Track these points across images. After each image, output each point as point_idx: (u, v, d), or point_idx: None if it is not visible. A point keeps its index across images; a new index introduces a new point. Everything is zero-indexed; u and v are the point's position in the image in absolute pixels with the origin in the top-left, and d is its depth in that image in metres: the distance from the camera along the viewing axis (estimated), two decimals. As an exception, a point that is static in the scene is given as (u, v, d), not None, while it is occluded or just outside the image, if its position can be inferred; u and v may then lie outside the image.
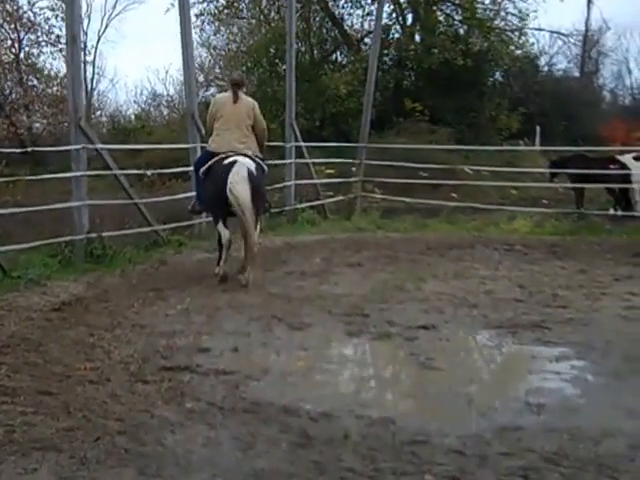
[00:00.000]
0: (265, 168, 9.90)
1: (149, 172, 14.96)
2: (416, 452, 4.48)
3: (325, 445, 4.58)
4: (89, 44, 36.29)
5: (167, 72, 45.69)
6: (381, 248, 12.32)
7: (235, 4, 30.94)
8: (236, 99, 9.72)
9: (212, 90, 34.12)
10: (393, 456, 4.44)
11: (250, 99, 10.02)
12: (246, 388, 5.59)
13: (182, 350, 6.56)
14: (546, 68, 41.85)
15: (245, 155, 9.44)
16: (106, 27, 40.18)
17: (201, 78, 33.97)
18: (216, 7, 30.49)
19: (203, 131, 12.70)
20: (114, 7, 41.20)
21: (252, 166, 9.29)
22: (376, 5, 23.97)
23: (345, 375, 6.19)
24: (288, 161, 15.91)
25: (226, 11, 31.05)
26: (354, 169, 17.76)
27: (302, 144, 16.45)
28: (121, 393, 5.43)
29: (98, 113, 36.66)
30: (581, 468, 4.25)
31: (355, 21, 31.79)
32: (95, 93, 38.05)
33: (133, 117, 34.95)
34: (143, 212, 12.17)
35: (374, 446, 4.57)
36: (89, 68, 36.76)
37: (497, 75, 33.46)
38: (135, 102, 37.70)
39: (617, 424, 4.86)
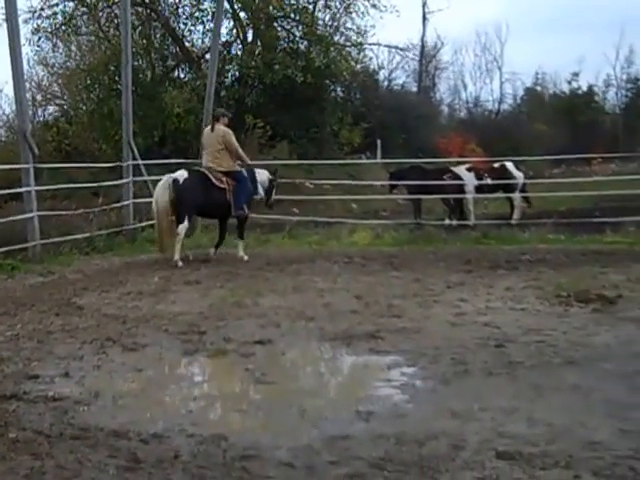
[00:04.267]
0: (239, 177, 12.76)
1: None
2: (246, 467, 4.47)
3: (154, 467, 4.51)
4: None
5: (1, 90, 44.11)
6: (221, 265, 12.30)
7: (73, 21, 30.24)
8: (212, 129, 12.76)
9: (51, 109, 33.27)
10: (223, 473, 4.42)
11: (222, 129, 12.65)
12: (75, 414, 5.44)
13: (9, 378, 6.32)
14: (386, 83, 43.02)
15: (209, 168, 12.57)
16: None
17: (39, 97, 33.06)
18: (53, 23, 29.73)
19: (36, 150, 12.43)
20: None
21: (182, 177, 12.29)
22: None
23: (178, 394, 6.12)
24: (125, 180, 15.69)
25: (63, 28, 30.33)
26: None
27: (140, 162, 16.23)
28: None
29: None
30: (405, 471, 4.35)
31: (196, 38, 31.70)
32: None
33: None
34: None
35: (204, 464, 4.53)
36: None
37: (338, 90, 34.09)
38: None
39: (441, 426, 5.01)
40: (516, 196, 18.20)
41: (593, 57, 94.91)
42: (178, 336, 7.67)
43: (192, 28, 31.14)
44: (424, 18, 48.33)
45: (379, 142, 28.97)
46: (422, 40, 48.84)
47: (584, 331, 7.57)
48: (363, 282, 10.62)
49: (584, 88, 55.31)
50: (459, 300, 9.15)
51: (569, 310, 8.55)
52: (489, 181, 17.93)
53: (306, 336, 7.65)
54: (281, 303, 9.21)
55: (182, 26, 31.32)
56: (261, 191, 13.72)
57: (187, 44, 31.65)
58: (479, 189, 18.08)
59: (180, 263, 12.28)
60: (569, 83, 56.21)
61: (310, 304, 9.10)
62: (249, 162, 13.30)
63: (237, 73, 30.68)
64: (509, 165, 18.56)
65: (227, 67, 30.56)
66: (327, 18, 31.96)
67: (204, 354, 7.10)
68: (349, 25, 31.92)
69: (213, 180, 12.46)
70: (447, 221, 17.75)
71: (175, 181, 12.32)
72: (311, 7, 31.10)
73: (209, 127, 13.05)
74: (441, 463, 4.45)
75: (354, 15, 31.68)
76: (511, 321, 8.02)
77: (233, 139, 12.73)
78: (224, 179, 12.53)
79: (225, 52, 30.21)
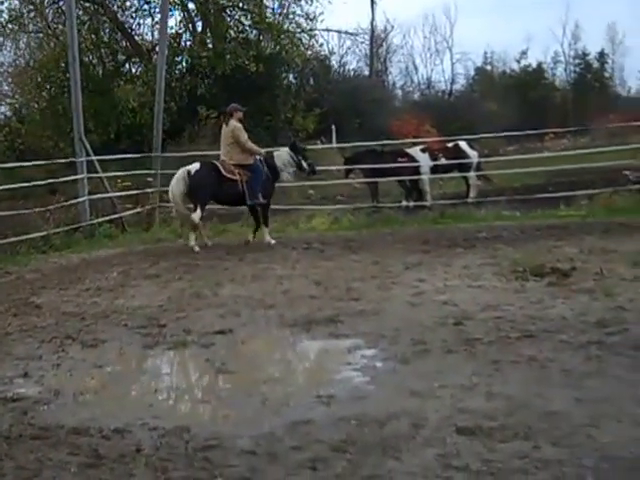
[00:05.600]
0: (253, 167, 13.31)
1: None
2: (209, 457, 4.49)
3: (116, 462, 4.50)
4: None
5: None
6: (180, 257, 12.26)
7: (19, 18, 29.85)
8: (226, 125, 13.47)
9: (2, 109, 32.86)
10: (185, 464, 4.43)
11: (233, 123, 13.29)
12: (35, 413, 5.40)
13: (-34, 381, 6.26)
14: (338, 68, 43.02)
15: (222, 162, 13.29)
16: None
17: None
18: (-1, 21, 29.35)
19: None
20: None
21: (194, 170, 13.07)
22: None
23: (139, 388, 6.12)
24: (80, 176, 15.55)
25: (10, 25, 29.93)
26: (151, 180, 17.56)
27: (94, 158, 16.10)
28: None
29: None
30: (366, 452, 4.40)
31: (146, 31, 31.48)
32: None
33: None
34: None
35: (167, 457, 4.54)
36: None
37: (290, 77, 34.04)
38: None
39: (401, 405, 5.06)
40: (471, 175, 18.31)
41: (541, 34, 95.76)
42: (138, 330, 7.63)
43: (141, 21, 30.95)
44: (372, 2, 48.34)
45: (334, 127, 28.93)
46: (371, 24, 48.90)
47: (540, 304, 7.68)
48: (322, 267, 10.64)
49: (534, 65, 55.83)
50: (417, 280, 9.20)
51: (525, 285, 8.65)
52: (444, 161, 18.00)
53: (266, 324, 7.67)
54: (240, 292, 9.20)
55: (131, 20, 31.12)
56: (288, 172, 14.18)
57: (137, 38, 31.43)
58: (434, 169, 18.15)
59: (197, 248, 12.92)
60: (518, 61, 56.74)
61: (269, 292, 9.11)
62: (261, 152, 13.73)
63: (188, 64, 30.49)
64: (463, 144, 18.66)
65: (178, 59, 30.41)
66: (276, 6, 31.91)
67: (164, 347, 7.07)
68: (298, 12, 31.91)
69: (223, 172, 13.13)
70: (404, 203, 17.82)
71: (188, 173, 13.12)
72: (260, -4, 31.00)
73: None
74: (402, 442, 4.50)
75: (302, 2, 31.68)
76: (469, 298, 8.09)
77: (242, 133, 13.27)
78: (236, 171, 13.19)
79: (175, 44, 30.03)
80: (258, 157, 13.53)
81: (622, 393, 5.05)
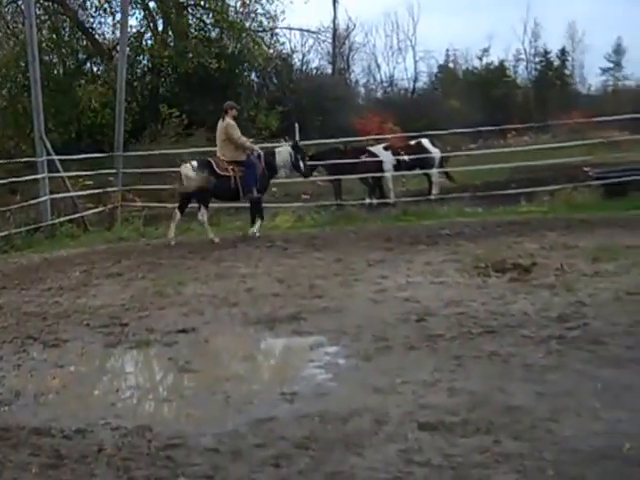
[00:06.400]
0: (247, 163, 13.55)
1: None
2: (171, 456, 4.48)
3: (78, 462, 4.48)
4: None
5: None
6: (143, 256, 12.19)
7: (-23, 17, 29.49)
8: (221, 121, 13.67)
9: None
10: (148, 463, 4.42)
11: (227, 120, 13.57)
12: (-4, 415, 5.36)
13: None
14: (300, 66, 43.01)
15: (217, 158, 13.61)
16: None
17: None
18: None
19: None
20: None
21: (195, 165, 13.41)
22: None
23: (101, 388, 6.10)
24: (40, 176, 15.41)
25: (-33, 24, 29.56)
26: (112, 179, 17.45)
27: (55, 157, 15.97)
28: None
29: None
30: (329, 449, 4.41)
31: (106, 30, 31.19)
32: None
33: None
34: None
35: (129, 456, 4.52)
36: None
37: (253, 76, 33.95)
38: None
39: (364, 402, 5.09)
40: (434, 172, 18.38)
41: (503, 32, 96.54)
42: (100, 329, 7.60)
43: (102, 20, 30.65)
44: (334, 0, 48.38)
45: (297, 125, 28.89)
46: (334, 22, 48.92)
47: (502, 300, 7.75)
48: (285, 265, 10.64)
49: (496, 63, 56.25)
50: (380, 277, 9.24)
51: (487, 281, 8.72)
52: (406, 158, 18.05)
53: (229, 322, 7.66)
54: (204, 290, 9.18)
55: (91, 19, 30.78)
56: (284, 170, 14.55)
57: (98, 37, 31.12)
58: (397, 167, 18.19)
59: (217, 239, 13.37)
60: (480, 59, 57.14)
61: (233, 290, 9.10)
62: (254, 148, 13.96)
63: (150, 63, 30.30)
64: (425, 142, 18.71)
65: (139, 58, 30.19)
66: (238, 4, 31.75)
67: (127, 346, 7.04)
68: (260, 10, 31.80)
69: (215, 168, 13.40)
70: (367, 200, 17.84)
71: (192, 168, 13.45)
72: (221, -7, 30.86)
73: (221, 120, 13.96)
74: (365, 438, 4.52)
75: (264, 1, 31.58)
76: (431, 295, 8.15)
77: (234, 131, 13.57)
78: (229, 167, 13.47)
79: (136, 43, 29.81)
80: (256, 153, 13.82)
81: (582, 387, 5.12)
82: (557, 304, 7.40)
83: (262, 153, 13.98)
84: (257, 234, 13.63)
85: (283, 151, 14.43)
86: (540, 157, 19.19)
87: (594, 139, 19.22)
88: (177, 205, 13.93)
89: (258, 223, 13.86)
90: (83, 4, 30.55)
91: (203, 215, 13.48)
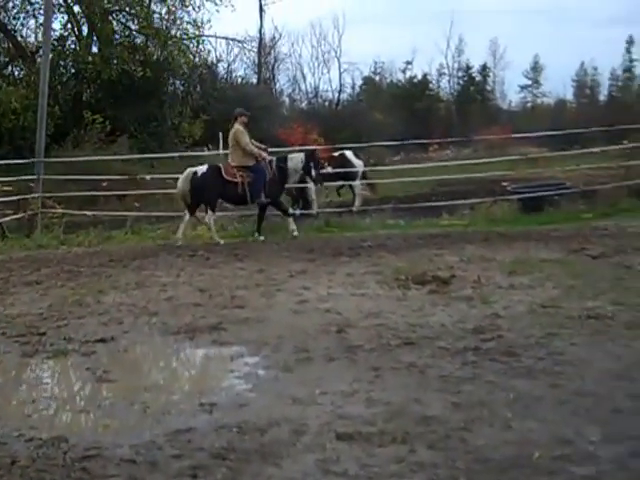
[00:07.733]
0: (255, 168, 14.05)
1: None
2: (87, 467, 4.42)
3: (-10, 474, 4.41)
4: None
5: None
6: (63, 264, 12.02)
7: None
8: (231, 128, 14.20)
9: None
10: (63, 475, 4.35)
11: (236, 127, 14.06)
12: None
13: None
14: (225, 75, 42.92)
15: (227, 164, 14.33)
16: None
17: None
18: None
19: None
20: None
21: (200, 171, 14.02)
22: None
23: (16, 398, 5.98)
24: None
25: None
26: (33, 185, 17.16)
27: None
28: None
29: None
30: (246, 459, 4.42)
31: (29, 33, 30.74)
32: None
33: None
34: None
35: (43, 467, 4.44)
36: None
37: (177, 84, 33.83)
38: None
39: (282, 413, 5.10)
40: (356, 184, 18.54)
41: (426, 47, 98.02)
42: (16, 339, 7.43)
43: (24, 22, 30.19)
44: (261, 10, 48.52)
45: (220, 134, 28.84)
46: (260, 32, 49.05)
47: (421, 312, 7.85)
48: (207, 275, 10.62)
49: (419, 77, 57.07)
50: (302, 288, 9.28)
51: (407, 293, 8.82)
52: (329, 170, 18.15)
53: (149, 332, 7.60)
54: (124, 299, 9.09)
55: (13, 21, 30.29)
56: (294, 177, 14.92)
57: (20, 39, 30.63)
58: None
59: (222, 241, 13.95)
60: (403, 72, 57.89)
61: (153, 299, 9.04)
62: (262, 155, 14.27)
63: (73, 68, 29.93)
64: (348, 154, 18.89)
65: (62, 62, 29.78)
66: (163, 12, 31.61)
67: (44, 356, 6.92)
68: (186, 18, 31.72)
69: (224, 174, 13.97)
70: (290, 211, 17.87)
71: (194, 174, 14.11)
72: (147, 0, 30.69)
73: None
74: (283, 449, 4.54)
75: (190, 8, 31.53)
76: (352, 306, 8.21)
77: (243, 137, 14.04)
78: (238, 173, 13.98)
79: (60, 47, 29.40)
80: (267, 159, 14.26)
81: (495, 398, 5.23)
82: (473, 316, 7.54)
83: (274, 159, 14.45)
84: (295, 232, 14.31)
85: (295, 157, 14.75)
86: (461, 171, 19.52)
87: (513, 154, 19.66)
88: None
89: (292, 223, 14.55)
90: (5, 5, 30.04)
91: (210, 218, 14.07)
